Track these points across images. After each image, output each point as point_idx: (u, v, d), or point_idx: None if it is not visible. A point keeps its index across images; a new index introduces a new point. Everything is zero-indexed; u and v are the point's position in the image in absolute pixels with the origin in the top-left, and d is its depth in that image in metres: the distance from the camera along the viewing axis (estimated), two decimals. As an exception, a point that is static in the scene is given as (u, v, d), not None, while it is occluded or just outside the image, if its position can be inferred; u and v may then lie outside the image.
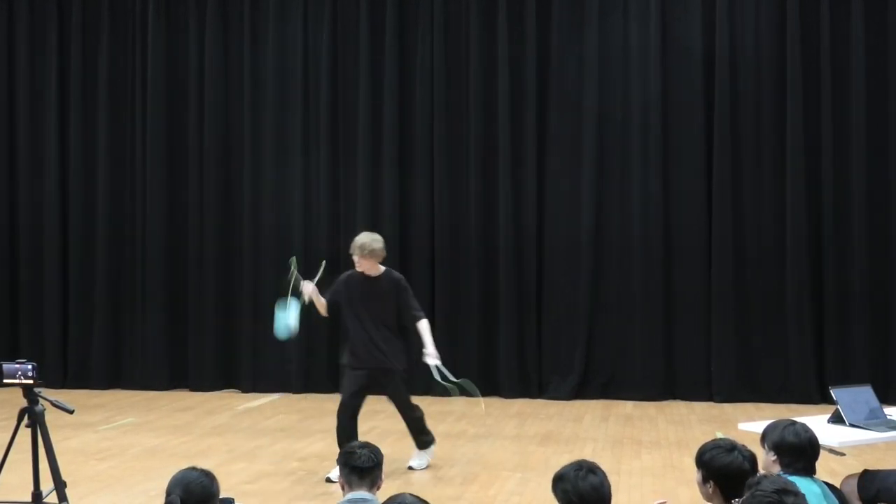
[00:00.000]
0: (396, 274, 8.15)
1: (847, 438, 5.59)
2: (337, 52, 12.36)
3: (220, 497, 4.05)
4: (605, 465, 3.97)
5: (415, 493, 3.56)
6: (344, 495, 4.30)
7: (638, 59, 11.78)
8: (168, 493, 3.77)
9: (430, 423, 9.02)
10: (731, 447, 4.01)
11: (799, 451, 4.26)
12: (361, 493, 4.25)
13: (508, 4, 12.00)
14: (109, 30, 12.75)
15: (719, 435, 4.47)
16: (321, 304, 8.07)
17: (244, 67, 12.51)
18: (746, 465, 3.96)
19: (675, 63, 11.76)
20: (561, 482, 3.73)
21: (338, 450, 4.51)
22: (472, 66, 12.05)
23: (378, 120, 12.21)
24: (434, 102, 12.11)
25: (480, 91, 12.01)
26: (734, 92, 11.60)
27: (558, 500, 3.74)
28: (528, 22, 11.97)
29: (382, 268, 7.99)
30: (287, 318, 7.85)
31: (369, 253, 7.82)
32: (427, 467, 8.25)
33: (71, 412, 6.09)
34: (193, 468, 3.89)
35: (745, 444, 4.09)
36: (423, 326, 8.00)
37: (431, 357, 7.89)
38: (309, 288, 7.92)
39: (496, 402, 11.53)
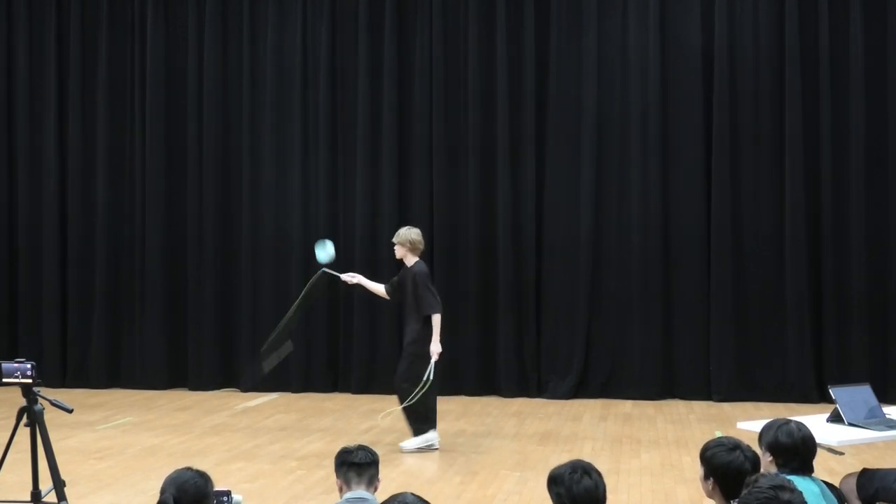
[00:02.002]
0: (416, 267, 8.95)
1: (846, 437, 5.60)
2: (335, 51, 12.37)
3: (219, 489, 4.03)
4: (603, 464, 3.98)
5: (414, 493, 3.56)
6: (342, 495, 4.30)
7: (637, 58, 11.78)
8: (162, 492, 3.76)
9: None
10: (734, 446, 4.00)
11: (793, 451, 4.24)
12: (360, 492, 4.25)
13: (507, 4, 12.00)
14: (108, 29, 12.74)
15: (718, 434, 4.47)
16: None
17: (243, 67, 12.51)
18: (747, 465, 3.95)
19: (673, 63, 11.77)
20: (555, 484, 3.72)
21: (337, 449, 4.51)
22: (470, 66, 12.05)
23: (377, 120, 12.21)
24: (433, 102, 12.12)
25: (479, 90, 12.01)
26: (733, 92, 11.60)
27: (553, 502, 3.73)
28: (526, 21, 11.97)
29: (411, 258, 8.96)
30: (326, 251, 9.07)
31: (398, 241, 8.99)
32: (414, 451, 8.71)
33: (70, 411, 6.10)
34: (188, 468, 3.88)
35: (746, 443, 4.09)
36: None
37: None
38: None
39: (495, 402, 11.55)
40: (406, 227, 9.14)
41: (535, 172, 11.95)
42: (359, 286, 9.37)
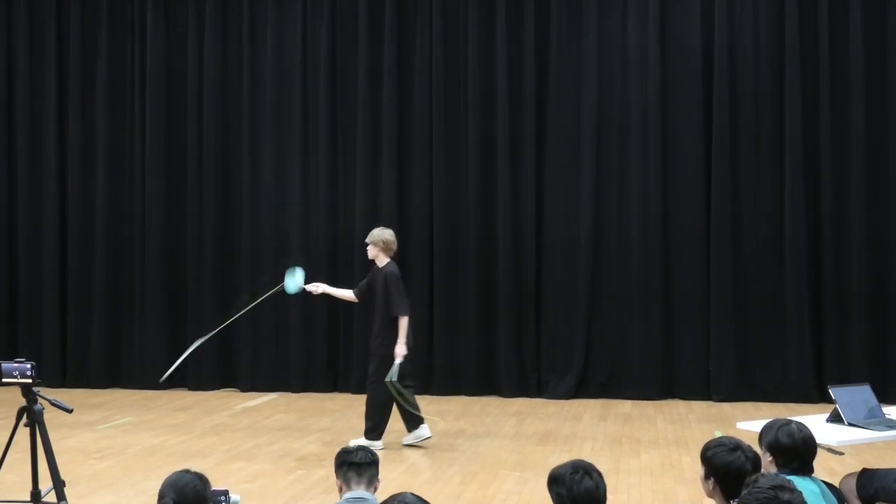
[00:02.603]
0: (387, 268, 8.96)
1: (845, 437, 5.60)
2: (335, 51, 12.36)
3: (216, 489, 4.02)
4: (603, 464, 3.97)
5: (414, 493, 3.56)
6: (342, 495, 4.30)
7: (637, 58, 11.78)
8: (161, 496, 3.74)
9: (429, 422, 9.05)
10: (735, 447, 4.00)
11: (793, 452, 4.24)
12: (360, 492, 4.25)
13: (507, 4, 11.99)
14: (108, 29, 12.74)
15: (718, 434, 4.47)
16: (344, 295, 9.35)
17: (243, 67, 12.51)
18: (748, 466, 3.95)
19: (673, 63, 11.77)
20: (556, 484, 3.72)
21: (336, 449, 4.51)
22: (470, 66, 12.05)
23: (376, 120, 12.21)
24: (433, 102, 12.11)
25: (479, 90, 12.01)
26: (733, 92, 11.60)
27: (553, 502, 3.73)
28: (526, 21, 11.97)
29: (383, 258, 8.94)
30: (295, 281, 9.11)
31: (371, 241, 8.99)
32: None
33: (69, 411, 6.09)
34: (187, 471, 3.86)
35: (747, 443, 4.08)
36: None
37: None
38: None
39: (495, 402, 11.55)
40: (380, 228, 9.16)
41: (535, 172, 11.95)
42: (324, 295, 9.37)
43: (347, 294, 9.26)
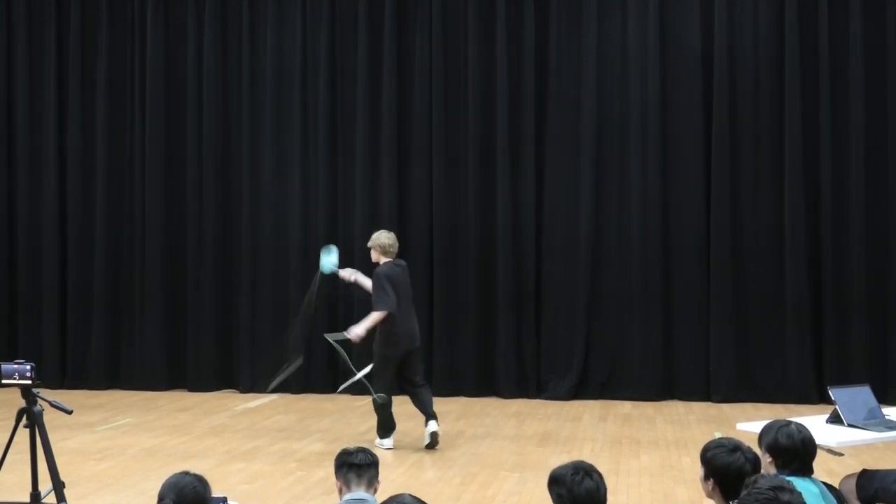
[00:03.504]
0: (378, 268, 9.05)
1: (845, 438, 5.60)
2: (335, 51, 12.37)
3: (215, 495, 4.02)
4: (603, 465, 3.97)
5: (413, 494, 3.56)
6: (342, 496, 4.30)
7: (637, 58, 11.78)
8: (161, 498, 3.74)
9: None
10: (734, 448, 4.00)
11: (793, 453, 4.24)
12: (360, 493, 4.25)
13: (507, 4, 12.00)
14: (108, 29, 12.74)
15: (718, 435, 4.47)
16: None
17: (243, 67, 12.51)
18: (748, 467, 3.94)
19: (673, 63, 11.77)
20: (556, 485, 3.72)
21: (336, 450, 4.51)
22: (470, 66, 12.05)
23: (376, 120, 12.21)
24: (433, 102, 12.12)
25: (479, 90, 12.01)
26: (733, 92, 11.60)
27: (553, 502, 3.73)
28: (526, 21, 11.97)
29: (383, 260, 9.01)
30: (330, 260, 9.20)
31: (371, 246, 9.09)
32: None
33: (69, 412, 6.09)
34: (186, 473, 3.86)
35: (746, 444, 4.08)
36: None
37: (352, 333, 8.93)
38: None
39: (494, 402, 11.55)
40: (379, 231, 9.24)
41: (534, 172, 11.95)
42: (355, 284, 9.31)
43: None
